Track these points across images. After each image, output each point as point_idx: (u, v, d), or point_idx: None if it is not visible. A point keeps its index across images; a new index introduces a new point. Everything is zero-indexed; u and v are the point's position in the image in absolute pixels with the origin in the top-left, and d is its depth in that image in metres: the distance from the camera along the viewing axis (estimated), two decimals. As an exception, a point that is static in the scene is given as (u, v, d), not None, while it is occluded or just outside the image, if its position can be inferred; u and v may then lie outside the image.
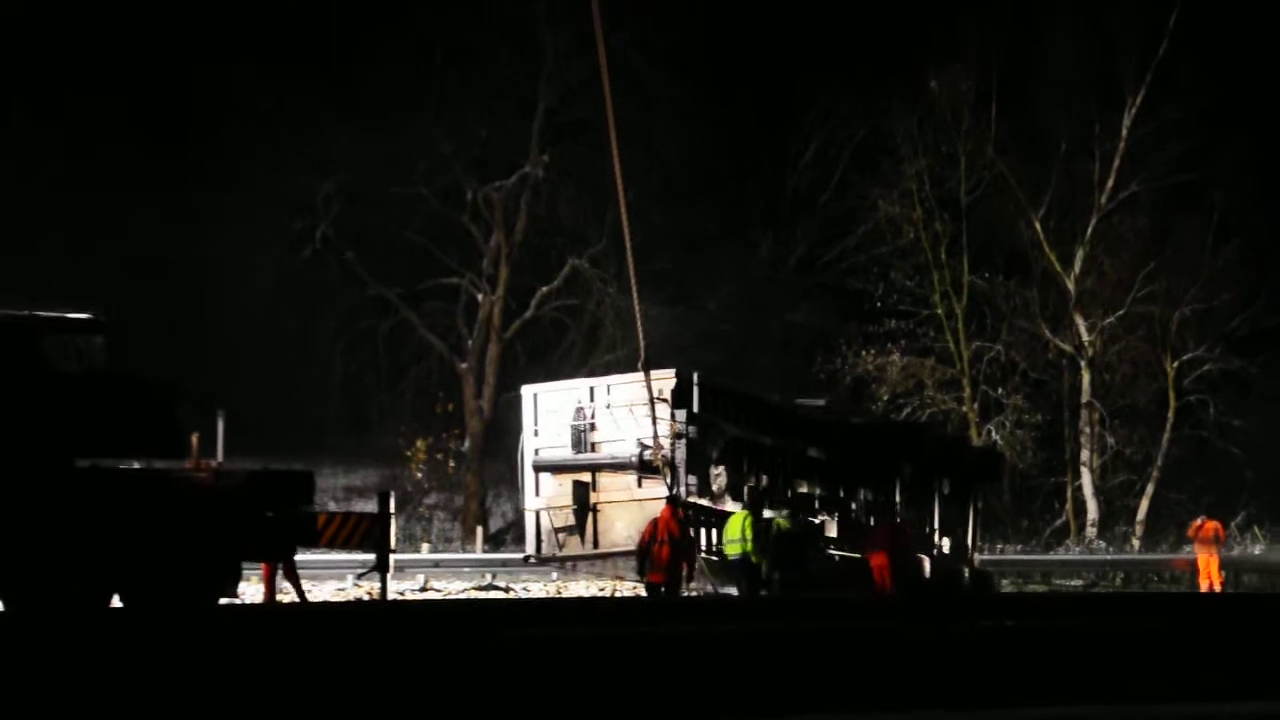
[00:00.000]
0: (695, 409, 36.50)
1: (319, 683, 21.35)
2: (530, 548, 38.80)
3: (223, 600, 30.40)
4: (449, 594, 39.25)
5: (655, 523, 34.94)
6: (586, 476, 37.66)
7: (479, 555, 48.47)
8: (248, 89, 59.14)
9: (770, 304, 67.11)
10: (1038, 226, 64.79)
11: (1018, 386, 65.33)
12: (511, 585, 40.11)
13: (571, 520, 37.72)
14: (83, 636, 25.14)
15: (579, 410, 38.03)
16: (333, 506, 43.61)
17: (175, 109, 59.48)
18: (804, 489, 39.20)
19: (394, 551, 34.45)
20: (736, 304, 66.11)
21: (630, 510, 36.74)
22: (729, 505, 36.99)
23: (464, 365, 61.66)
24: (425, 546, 51.81)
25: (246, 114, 59.15)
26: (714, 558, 36.91)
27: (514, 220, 61.94)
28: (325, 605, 34.47)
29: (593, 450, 37.71)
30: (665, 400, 36.31)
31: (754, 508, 36.62)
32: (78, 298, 32.37)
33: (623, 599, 36.44)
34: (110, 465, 30.28)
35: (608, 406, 37.67)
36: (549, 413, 38.61)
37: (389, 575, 34.03)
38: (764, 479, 38.29)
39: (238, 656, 23.18)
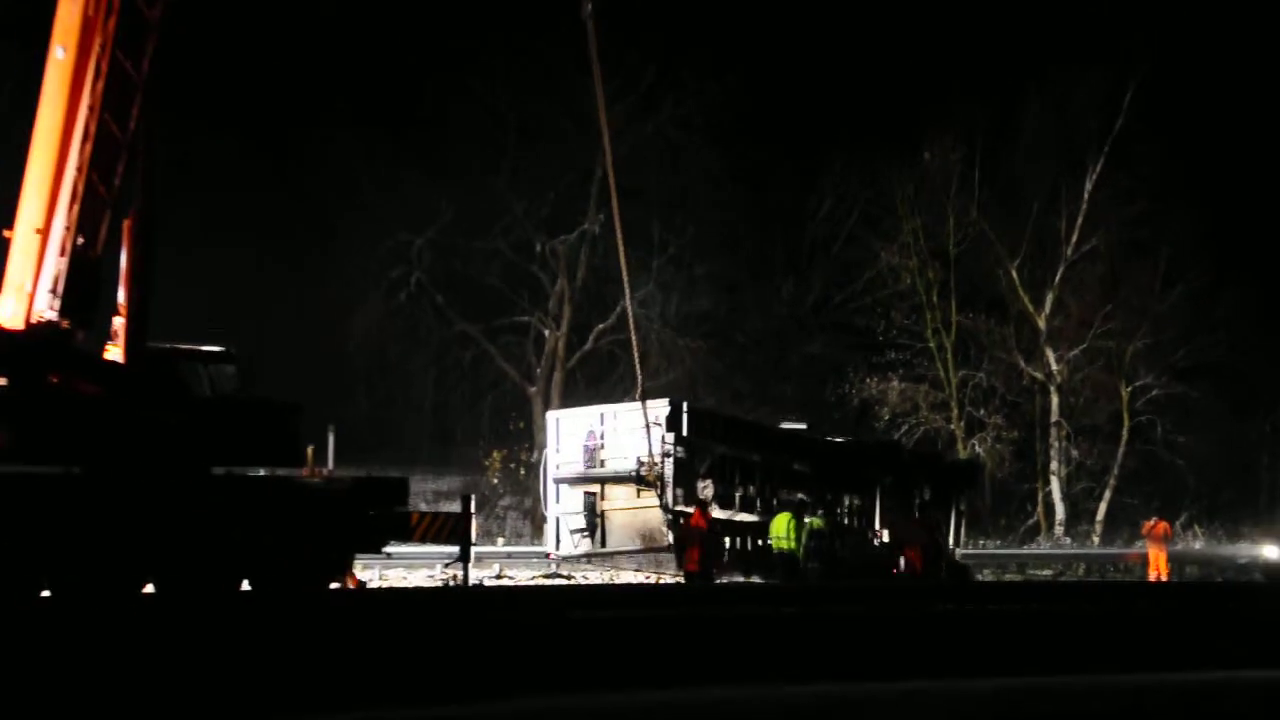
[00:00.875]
0: (683, 432, 36.74)
1: (415, 650, 21.44)
2: (551, 546, 39.12)
3: (332, 584, 30.52)
4: (519, 580, 39.16)
5: (689, 524, 35.12)
6: (596, 488, 37.82)
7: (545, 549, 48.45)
8: (354, 156, 59.50)
9: (791, 338, 67.16)
10: (1014, 274, 64.81)
11: (997, 408, 65.26)
12: (572, 574, 40.02)
13: (583, 524, 37.87)
14: (224, 613, 25.31)
15: (590, 432, 38.27)
16: (423, 507, 43.58)
17: (299, 175, 59.79)
18: (789, 496, 39.04)
19: (474, 545, 34.47)
20: (763, 338, 66.22)
21: (630, 516, 36.98)
22: (717, 511, 36.89)
23: (533, 389, 61.68)
24: (500, 540, 51.81)
25: (353, 178, 59.43)
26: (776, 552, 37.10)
27: (575, 269, 62.01)
28: (419, 590, 34.48)
29: (601, 466, 37.88)
30: (660, 425, 36.45)
31: (797, 511, 36.82)
32: (214, 332, 32.58)
33: (664, 585, 36.35)
34: (240, 472, 30.45)
35: (614, 430, 37.80)
36: (568, 434, 38.91)
37: (470, 565, 34.03)
38: (751, 489, 38.27)
39: (354, 629, 23.31)
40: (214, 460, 29.95)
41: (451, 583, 35.28)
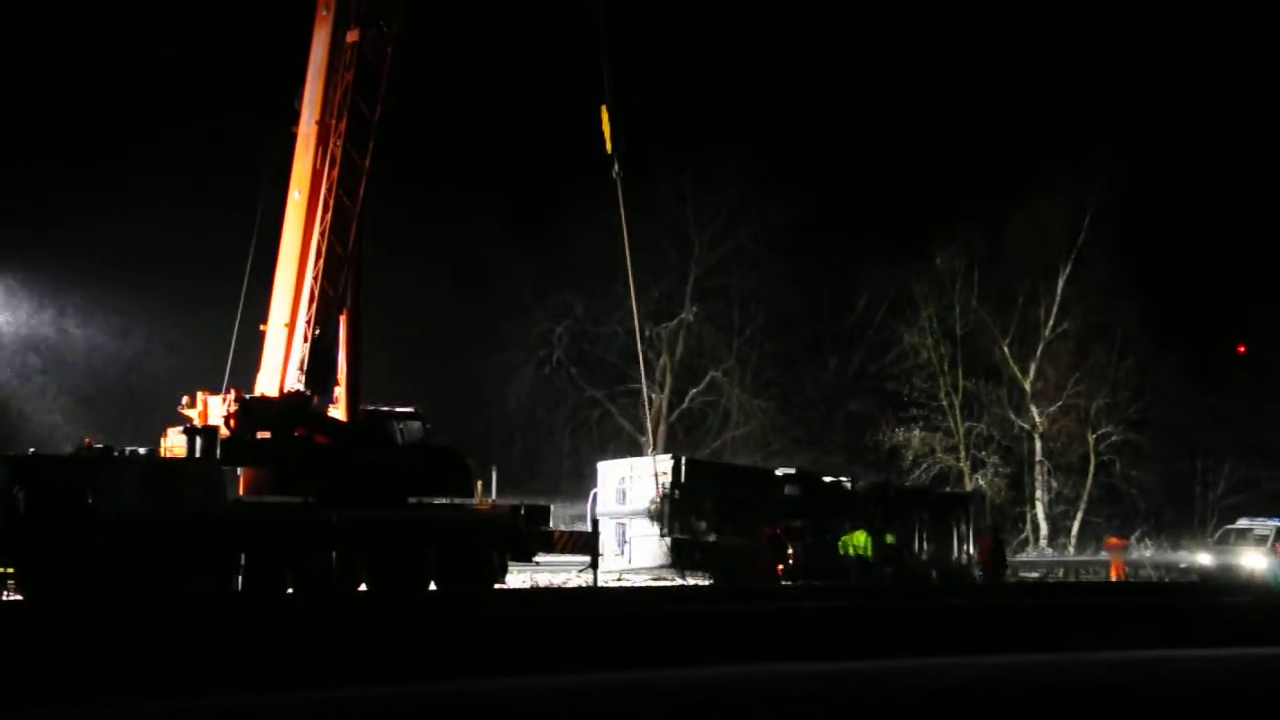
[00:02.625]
0: (681, 479, 36.92)
1: (557, 629, 21.55)
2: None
3: (495, 585, 30.72)
4: (634, 583, 39.03)
5: (764, 537, 35.15)
6: (626, 520, 37.61)
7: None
8: (513, 268, 60.37)
9: (838, 398, 66.81)
10: (1006, 350, 64.40)
11: (995, 450, 64.65)
12: (674, 579, 39.79)
13: (617, 549, 37.74)
14: (421, 603, 25.61)
15: (622, 478, 38.28)
16: (563, 527, 43.60)
17: (474, 283, 60.66)
18: (796, 524, 38.55)
19: (601, 556, 34.48)
20: (815, 400, 65.97)
21: (647, 542, 36.65)
22: (711, 537, 37.02)
23: (644, 439, 61.64)
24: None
25: (509, 286, 60.33)
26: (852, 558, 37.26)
27: (675, 347, 62.24)
28: (561, 588, 34.57)
29: (627, 504, 37.78)
30: (666, 474, 36.74)
31: (869, 527, 37.03)
32: (409, 397, 32.99)
33: (737, 588, 36.16)
34: (428, 501, 30.73)
35: (637, 477, 37.81)
36: (608, 481, 38.95)
37: (599, 571, 34.05)
38: (744, 520, 37.64)
39: (511, 615, 23.47)
40: (409, 492, 30.30)
41: (584, 584, 35.29)
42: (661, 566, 36.19)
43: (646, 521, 36.79)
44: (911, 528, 40.75)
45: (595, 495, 39.19)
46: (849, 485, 41.66)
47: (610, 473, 39.36)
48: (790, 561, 36.54)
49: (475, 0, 50.55)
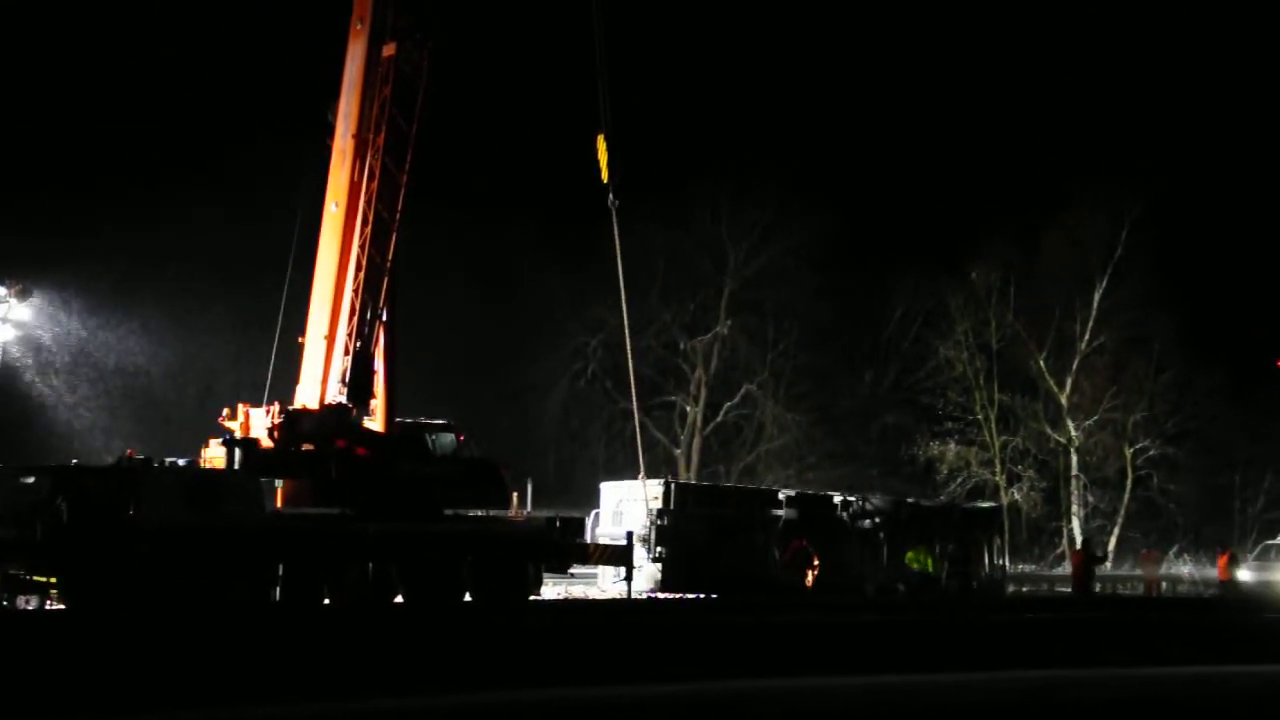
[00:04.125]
0: (670, 505, 36.93)
1: (588, 640, 21.57)
2: (602, 580, 38.50)
3: (531, 597, 30.78)
4: (666, 595, 38.96)
5: (789, 549, 35.19)
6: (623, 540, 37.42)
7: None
8: (545, 281, 60.53)
9: (873, 412, 66.69)
10: (1041, 363, 64.12)
11: (1030, 464, 64.41)
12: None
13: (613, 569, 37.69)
14: (458, 614, 25.67)
15: (619, 500, 38.30)
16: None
17: (511, 302, 60.83)
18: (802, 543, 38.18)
19: (636, 568, 34.47)
20: (851, 412, 65.85)
21: (638, 564, 36.49)
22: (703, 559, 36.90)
23: (678, 451, 61.81)
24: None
25: (544, 299, 60.51)
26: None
27: (710, 361, 62.22)
28: (595, 600, 34.61)
29: (622, 526, 37.52)
30: (658, 499, 36.80)
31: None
32: (445, 410, 33.12)
33: (776, 597, 36.07)
34: (463, 513, 30.82)
35: (633, 499, 37.75)
36: (608, 502, 38.93)
37: (633, 582, 34.05)
38: (741, 542, 37.59)
39: (547, 627, 23.53)
40: (446, 504, 30.38)
41: (618, 596, 35.27)
42: (651, 590, 36.16)
43: (638, 544, 36.80)
44: (931, 545, 40.45)
45: (596, 515, 39.23)
46: (861, 504, 41.26)
47: (610, 494, 39.49)
48: (816, 572, 36.60)
49: (509, 15, 50.89)
